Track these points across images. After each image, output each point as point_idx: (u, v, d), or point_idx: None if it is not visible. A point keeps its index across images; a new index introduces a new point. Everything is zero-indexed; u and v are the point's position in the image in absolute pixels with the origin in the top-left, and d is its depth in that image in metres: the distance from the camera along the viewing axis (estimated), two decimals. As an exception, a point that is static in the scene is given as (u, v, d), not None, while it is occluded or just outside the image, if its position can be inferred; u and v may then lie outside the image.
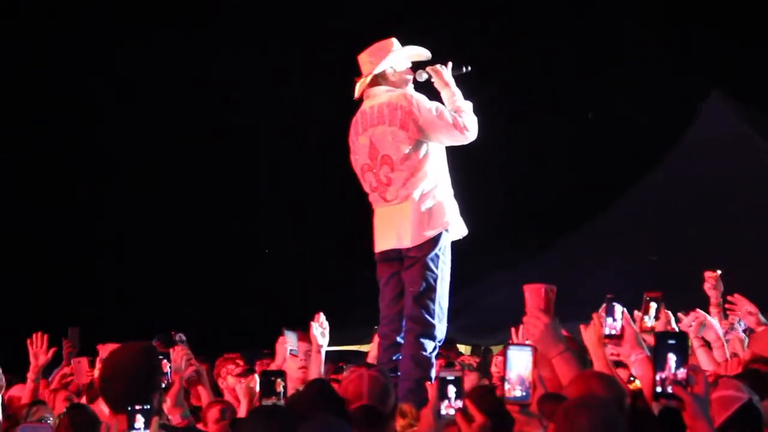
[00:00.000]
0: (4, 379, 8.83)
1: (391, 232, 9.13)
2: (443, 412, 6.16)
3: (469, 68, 9.30)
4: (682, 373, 5.33)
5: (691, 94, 26.81)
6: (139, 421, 5.77)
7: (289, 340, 10.31)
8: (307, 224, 37.99)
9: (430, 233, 8.93)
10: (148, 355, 6.85)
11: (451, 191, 9.22)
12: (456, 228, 9.21)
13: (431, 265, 8.87)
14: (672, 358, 5.39)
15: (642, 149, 28.11)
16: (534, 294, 6.49)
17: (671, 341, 5.45)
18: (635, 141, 30.21)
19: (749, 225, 18.66)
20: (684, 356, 5.48)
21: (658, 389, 5.40)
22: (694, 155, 22.48)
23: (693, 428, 5.30)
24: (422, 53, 9.27)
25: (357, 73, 9.54)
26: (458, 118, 8.96)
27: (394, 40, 9.18)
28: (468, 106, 9.16)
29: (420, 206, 8.93)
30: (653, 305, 8.03)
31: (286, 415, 7.16)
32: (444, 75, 9.11)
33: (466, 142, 9.15)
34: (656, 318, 7.91)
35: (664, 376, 5.36)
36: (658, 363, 5.42)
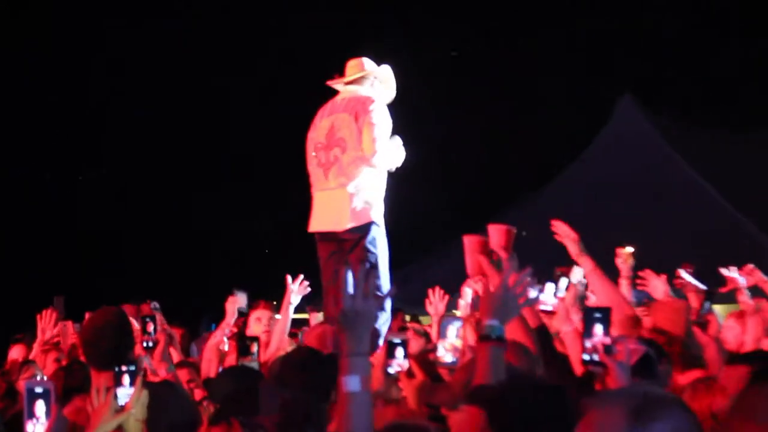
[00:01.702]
0: None
1: (327, 216, 9.12)
2: (391, 370, 6.47)
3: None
4: (606, 341, 5.58)
5: (605, 98, 26.81)
6: (125, 380, 5.68)
7: (240, 300, 10.31)
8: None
9: (362, 221, 8.96)
10: (121, 318, 6.87)
11: (383, 192, 9.26)
12: (380, 220, 9.23)
13: (370, 247, 8.92)
14: (598, 328, 5.67)
15: (561, 148, 27.91)
16: (497, 233, 6.58)
17: (597, 314, 5.71)
18: (555, 141, 30.09)
19: (651, 214, 19.18)
20: (607, 327, 5.76)
21: (586, 357, 5.68)
22: (606, 152, 22.91)
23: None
24: (391, 86, 9.37)
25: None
26: (381, 152, 8.96)
27: (365, 61, 9.26)
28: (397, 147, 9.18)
29: (353, 198, 8.92)
30: (563, 279, 8.25)
31: (257, 374, 7.58)
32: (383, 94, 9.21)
33: (372, 165, 9.10)
34: (566, 290, 8.05)
35: (591, 344, 5.61)
36: (586, 333, 5.71)
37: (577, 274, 8.99)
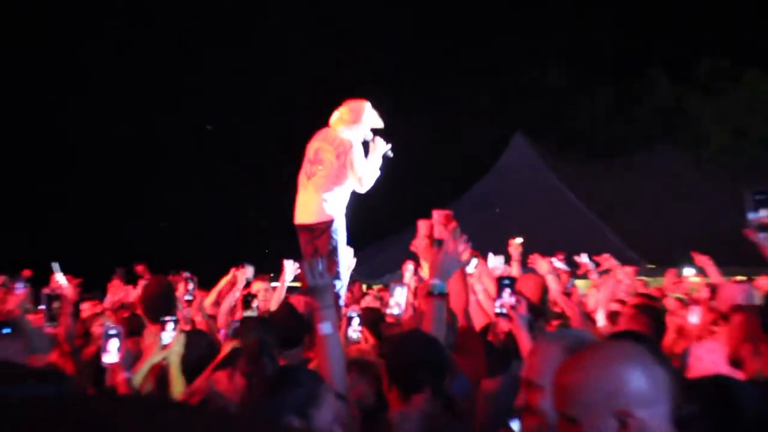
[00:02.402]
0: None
1: (305, 212, 8.97)
2: (353, 336, 6.40)
3: (391, 155, 9.18)
4: (512, 300, 5.58)
5: (503, 134, 26.22)
6: (169, 327, 5.86)
7: (248, 271, 10.10)
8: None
9: (328, 218, 8.81)
10: (167, 285, 7.05)
11: (346, 198, 9.09)
12: (341, 223, 9.05)
13: (333, 235, 8.76)
14: (506, 291, 5.70)
15: (469, 172, 27.02)
16: (439, 215, 6.36)
17: (506, 282, 5.70)
18: (465, 166, 29.34)
19: (535, 221, 18.26)
20: (513, 290, 5.75)
21: (498, 310, 5.73)
22: (503, 174, 22.68)
23: (517, 334, 5.44)
24: (378, 124, 9.12)
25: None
26: (364, 175, 8.89)
27: (367, 104, 9.11)
28: (376, 168, 9.12)
29: (323, 202, 8.81)
30: (474, 259, 8.41)
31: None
32: (378, 147, 9.02)
33: (359, 189, 9.05)
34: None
35: (500, 303, 5.67)
36: (498, 294, 5.73)
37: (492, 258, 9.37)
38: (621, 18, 43.31)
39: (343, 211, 8.81)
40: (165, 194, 35.76)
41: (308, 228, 8.70)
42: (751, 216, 3.89)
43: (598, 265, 10.35)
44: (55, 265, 9.34)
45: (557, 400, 2.53)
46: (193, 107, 38.21)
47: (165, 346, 5.74)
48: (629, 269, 10.88)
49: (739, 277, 15.17)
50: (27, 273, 10.09)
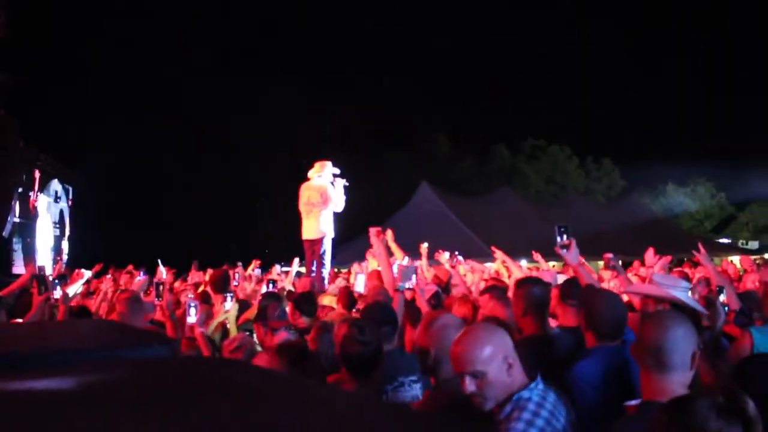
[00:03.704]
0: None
1: (307, 231, 8.70)
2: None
3: (347, 184, 8.84)
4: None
5: (413, 182, 24.97)
6: (229, 298, 5.63)
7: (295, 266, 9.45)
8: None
9: (320, 235, 8.59)
10: (224, 273, 6.78)
11: (332, 225, 8.80)
12: (329, 236, 8.78)
13: (324, 245, 8.56)
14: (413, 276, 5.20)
15: (384, 211, 24.41)
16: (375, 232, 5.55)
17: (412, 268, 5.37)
18: (381, 206, 26.20)
19: (436, 238, 17.69)
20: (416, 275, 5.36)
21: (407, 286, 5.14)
22: (407, 221, 21.04)
23: (420, 304, 4.96)
24: (336, 171, 8.79)
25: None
26: (337, 202, 8.65)
27: (329, 162, 8.82)
28: (342, 195, 8.80)
29: (318, 224, 8.57)
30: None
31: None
32: (339, 183, 8.76)
33: (336, 210, 8.77)
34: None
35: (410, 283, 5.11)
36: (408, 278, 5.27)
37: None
38: (480, 108, 43.56)
39: (331, 227, 8.71)
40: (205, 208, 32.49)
41: (311, 241, 8.58)
42: (557, 239, 3.92)
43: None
44: (159, 261, 9.21)
45: (460, 363, 2.38)
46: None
47: (226, 311, 5.60)
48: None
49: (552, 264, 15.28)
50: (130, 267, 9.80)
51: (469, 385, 2.34)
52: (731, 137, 45.33)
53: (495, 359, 2.35)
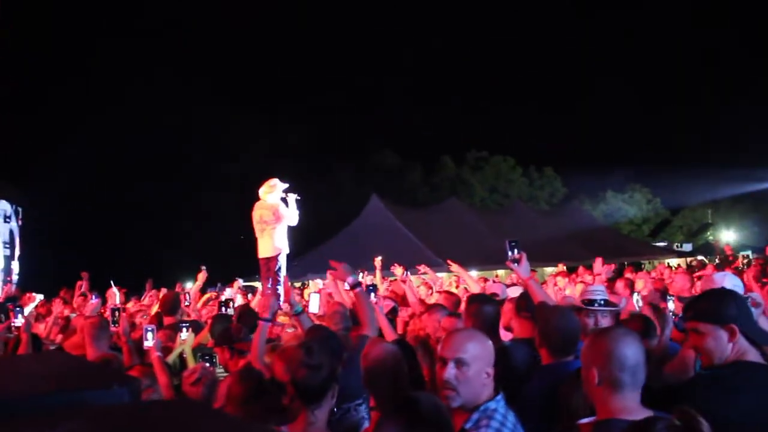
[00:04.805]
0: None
1: (262, 249, 8.37)
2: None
3: (299, 198, 8.56)
4: (376, 299, 5.42)
5: (364, 194, 25.00)
6: (183, 330, 5.33)
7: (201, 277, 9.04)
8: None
9: (275, 252, 8.26)
10: (175, 295, 6.70)
11: (286, 241, 8.51)
12: (285, 252, 8.42)
13: (280, 262, 8.24)
14: (372, 294, 5.21)
15: (339, 223, 24.82)
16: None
17: (371, 287, 5.50)
18: (336, 218, 26.24)
19: (389, 249, 17.47)
20: (376, 292, 5.48)
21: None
22: (359, 234, 21.29)
23: (379, 319, 4.72)
24: (285, 186, 8.45)
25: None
26: (290, 217, 8.37)
27: (277, 180, 8.52)
28: (295, 209, 8.55)
29: (272, 243, 8.27)
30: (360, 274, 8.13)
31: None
32: (291, 198, 8.41)
33: (291, 224, 8.46)
34: None
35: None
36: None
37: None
38: (425, 120, 43.83)
39: (286, 243, 8.56)
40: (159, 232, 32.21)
41: (267, 259, 8.42)
42: (508, 254, 3.90)
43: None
44: (112, 282, 8.94)
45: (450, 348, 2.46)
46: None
47: (183, 341, 5.28)
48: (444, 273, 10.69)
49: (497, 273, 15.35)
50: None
51: (450, 371, 2.39)
52: (665, 146, 46.80)
53: (480, 360, 2.42)
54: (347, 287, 4.52)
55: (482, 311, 3.68)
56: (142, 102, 33.38)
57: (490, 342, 2.57)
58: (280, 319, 6.17)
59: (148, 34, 39.98)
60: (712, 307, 2.46)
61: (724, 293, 2.62)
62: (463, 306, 5.71)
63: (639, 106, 53.32)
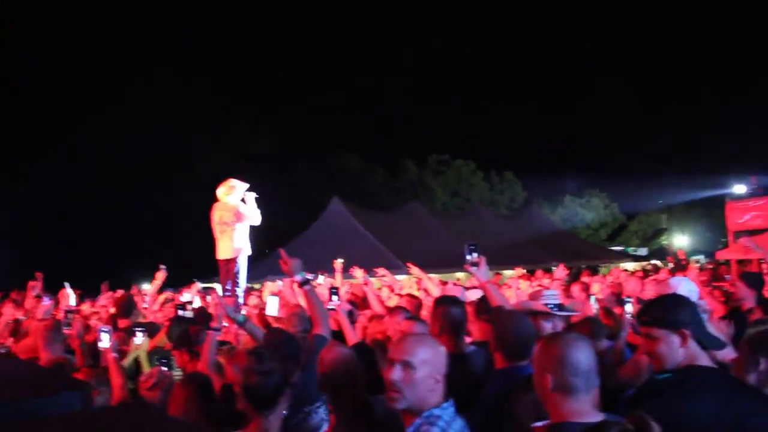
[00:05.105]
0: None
1: (222, 251, 8.24)
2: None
3: (257, 196, 8.46)
4: (339, 301, 5.25)
5: (325, 198, 24.61)
6: (139, 335, 5.21)
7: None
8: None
9: (235, 254, 8.14)
10: (130, 295, 6.80)
11: (247, 241, 8.37)
12: (245, 253, 8.31)
13: (239, 263, 8.14)
14: (334, 296, 5.21)
15: (301, 225, 24.30)
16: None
17: (334, 290, 5.48)
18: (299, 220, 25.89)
19: (350, 252, 17.44)
20: (338, 294, 5.37)
21: (329, 307, 4.95)
22: (320, 237, 21.01)
23: (341, 321, 4.90)
24: (245, 186, 8.36)
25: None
26: (251, 216, 8.28)
27: (235, 180, 8.40)
28: (255, 208, 8.42)
29: (232, 244, 8.14)
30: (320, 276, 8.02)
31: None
32: (250, 197, 8.27)
33: (253, 224, 8.32)
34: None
35: (333, 303, 5.20)
36: (330, 298, 5.19)
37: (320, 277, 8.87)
38: (387, 123, 43.84)
39: (247, 243, 8.46)
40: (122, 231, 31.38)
41: (226, 260, 8.30)
42: (467, 257, 3.92)
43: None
44: (66, 284, 8.76)
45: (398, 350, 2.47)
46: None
47: (137, 346, 5.19)
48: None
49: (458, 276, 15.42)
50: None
51: (396, 373, 2.40)
52: (621, 152, 47.67)
53: (429, 365, 2.40)
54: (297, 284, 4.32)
55: (449, 312, 3.66)
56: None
57: (443, 348, 2.55)
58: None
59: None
60: (665, 312, 2.51)
61: (677, 299, 2.65)
62: (423, 310, 5.79)
63: (597, 116, 54.24)
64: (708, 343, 2.47)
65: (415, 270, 8.01)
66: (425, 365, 2.40)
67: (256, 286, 15.03)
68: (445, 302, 3.80)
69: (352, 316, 5.84)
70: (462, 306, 3.80)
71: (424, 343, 2.50)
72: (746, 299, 5.08)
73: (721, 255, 20.67)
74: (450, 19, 62.11)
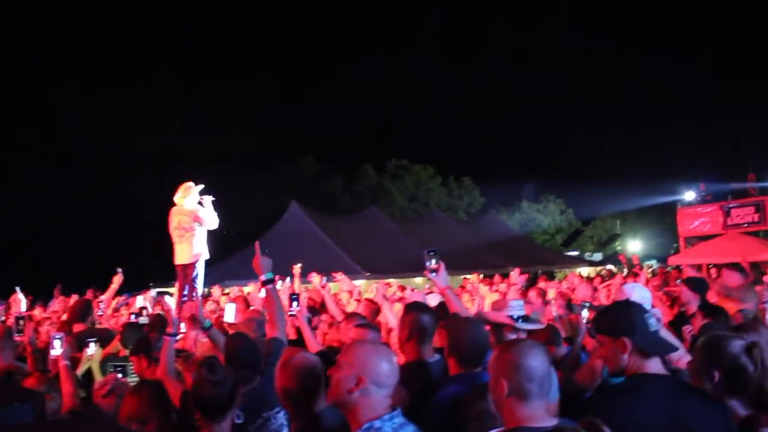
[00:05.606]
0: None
1: (180, 256, 8.19)
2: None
3: (214, 199, 8.44)
4: (299, 308, 5.16)
5: (284, 202, 24.54)
6: (91, 345, 5.02)
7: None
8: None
9: (194, 259, 8.13)
10: (85, 302, 6.58)
11: (205, 246, 8.35)
12: (204, 258, 8.31)
13: (196, 268, 8.12)
14: (294, 302, 5.23)
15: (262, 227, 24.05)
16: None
17: (294, 296, 5.50)
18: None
19: (308, 257, 17.33)
20: (297, 300, 5.28)
21: (290, 313, 5.12)
22: (278, 241, 20.20)
23: (301, 326, 4.87)
24: (200, 188, 8.34)
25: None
26: (210, 220, 8.28)
27: (191, 183, 8.38)
28: (212, 211, 8.40)
29: (191, 249, 8.12)
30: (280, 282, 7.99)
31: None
32: (207, 200, 8.30)
33: (211, 228, 8.35)
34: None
35: (292, 309, 5.14)
36: (290, 304, 5.20)
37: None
38: (346, 128, 43.88)
39: (206, 248, 8.36)
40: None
41: (184, 265, 8.20)
42: (426, 264, 3.95)
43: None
44: (18, 289, 8.55)
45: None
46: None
47: (89, 357, 4.97)
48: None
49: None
50: None
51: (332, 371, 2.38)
52: (577, 159, 48.56)
53: (353, 366, 2.31)
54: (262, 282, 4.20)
55: (419, 319, 3.61)
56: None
57: (387, 357, 2.42)
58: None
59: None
60: (609, 320, 2.62)
61: (623, 307, 2.70)
62: (380, 316, 5.80)
63: (554, 123, 55.21)
64: (652, 349, 2.52)
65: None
66: (350, 366, 2.31)
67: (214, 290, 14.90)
68: (416, 309, 3.77)
69: (310, 323, 5.82)
70: (432, 313, 3.76)
71: (361, 347, 2.43)
72: (690, 303, 5.15)
73: (673, 260, 21.04)
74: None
